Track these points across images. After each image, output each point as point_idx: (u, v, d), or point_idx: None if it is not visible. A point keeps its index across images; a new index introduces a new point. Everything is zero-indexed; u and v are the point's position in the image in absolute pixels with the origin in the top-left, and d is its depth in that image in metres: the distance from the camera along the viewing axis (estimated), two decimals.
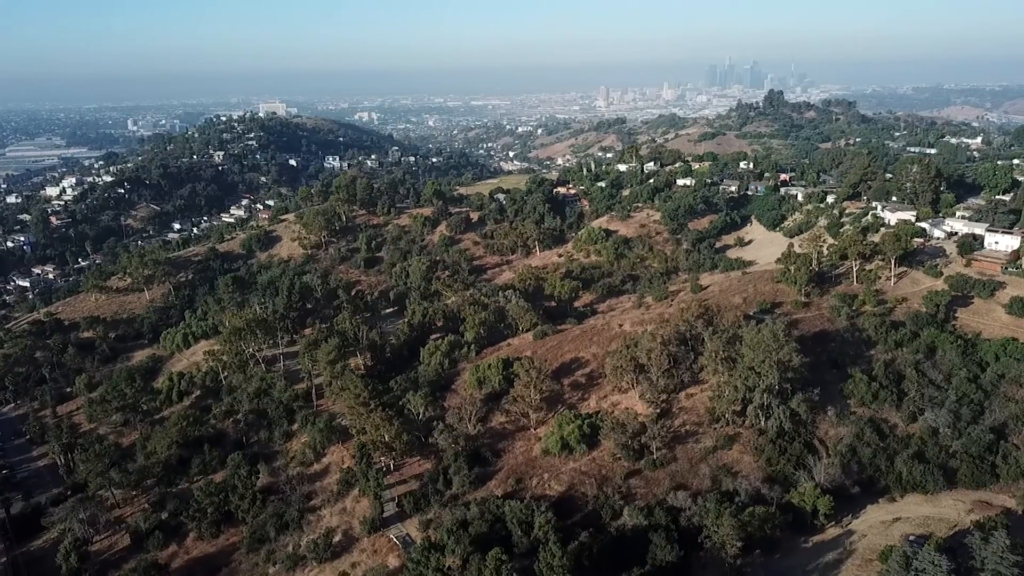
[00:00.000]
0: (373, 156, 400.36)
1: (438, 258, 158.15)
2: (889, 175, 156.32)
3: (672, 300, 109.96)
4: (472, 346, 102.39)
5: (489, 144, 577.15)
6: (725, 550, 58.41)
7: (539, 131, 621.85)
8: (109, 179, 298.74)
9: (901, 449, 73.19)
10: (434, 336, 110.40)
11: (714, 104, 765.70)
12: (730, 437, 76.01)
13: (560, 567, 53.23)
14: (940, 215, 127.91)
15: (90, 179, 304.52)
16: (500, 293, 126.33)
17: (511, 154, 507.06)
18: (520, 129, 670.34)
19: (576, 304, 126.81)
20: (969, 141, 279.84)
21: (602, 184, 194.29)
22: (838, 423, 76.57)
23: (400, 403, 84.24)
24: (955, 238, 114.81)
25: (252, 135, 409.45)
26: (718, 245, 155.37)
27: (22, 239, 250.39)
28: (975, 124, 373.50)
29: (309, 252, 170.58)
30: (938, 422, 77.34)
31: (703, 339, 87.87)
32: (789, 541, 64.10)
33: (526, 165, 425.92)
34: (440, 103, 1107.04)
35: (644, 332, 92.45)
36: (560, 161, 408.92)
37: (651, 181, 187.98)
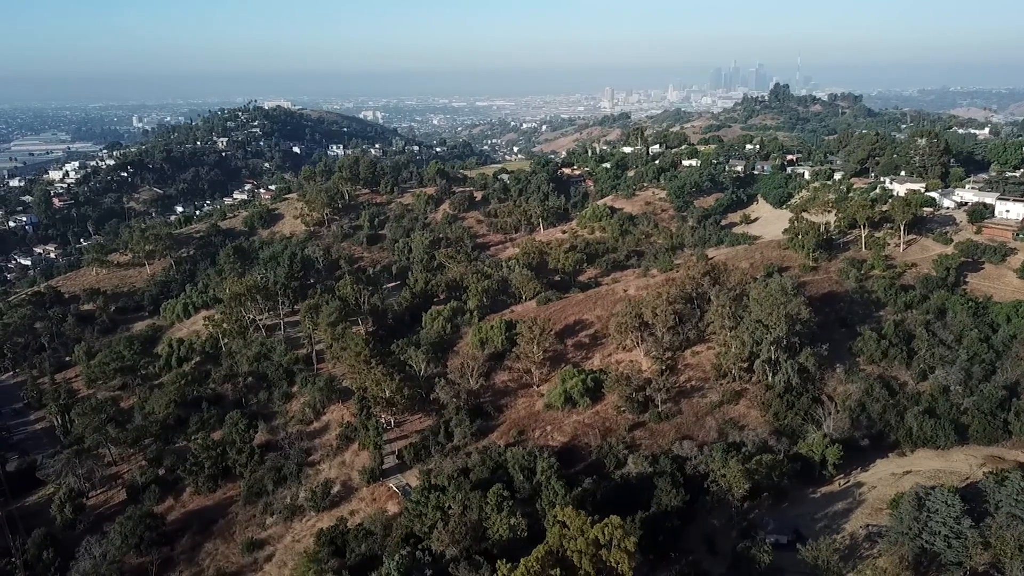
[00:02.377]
0: (377, 145, 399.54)
1: (441, 235, 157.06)
2: (896, 155, 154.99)
3: (677, 271, 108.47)
4: (475, 312, 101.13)
5: (493, 140, 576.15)
6: (732, 493, 57.11)
7: (543, 127, 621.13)
8: (112, 163, 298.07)
9: (911, 405, 71.50)
10: (436, 305, 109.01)
11: (719, 105, 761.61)
12: (736, 392, 74.72)
13: (562, 503, 51.96)
14: (949, 187, 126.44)
15: (93, 163, 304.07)
16: (504, 264, 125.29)
17: (515, 148, 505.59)
18: (524, 126, 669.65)
19: (580, 278, 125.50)
20: (976, 132, 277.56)
21: (607, 165, 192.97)
22: (847, 380, 75.15)
23: (402, 359, 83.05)
24: (965, 207, 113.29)
25: (256, 123, 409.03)
26: (724, 223, 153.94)
27: (24, 219, 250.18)
28: (980, 121, 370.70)
29: (311, 229, 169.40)
30: (949, 380, 75.71)
31: (709, 298, 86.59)
32: (797, 491, 62.93)
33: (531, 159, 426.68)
34: (445, 103, 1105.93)
35: (649, 295, 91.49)
36: (564, 154, 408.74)
37: (656, 162, 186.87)
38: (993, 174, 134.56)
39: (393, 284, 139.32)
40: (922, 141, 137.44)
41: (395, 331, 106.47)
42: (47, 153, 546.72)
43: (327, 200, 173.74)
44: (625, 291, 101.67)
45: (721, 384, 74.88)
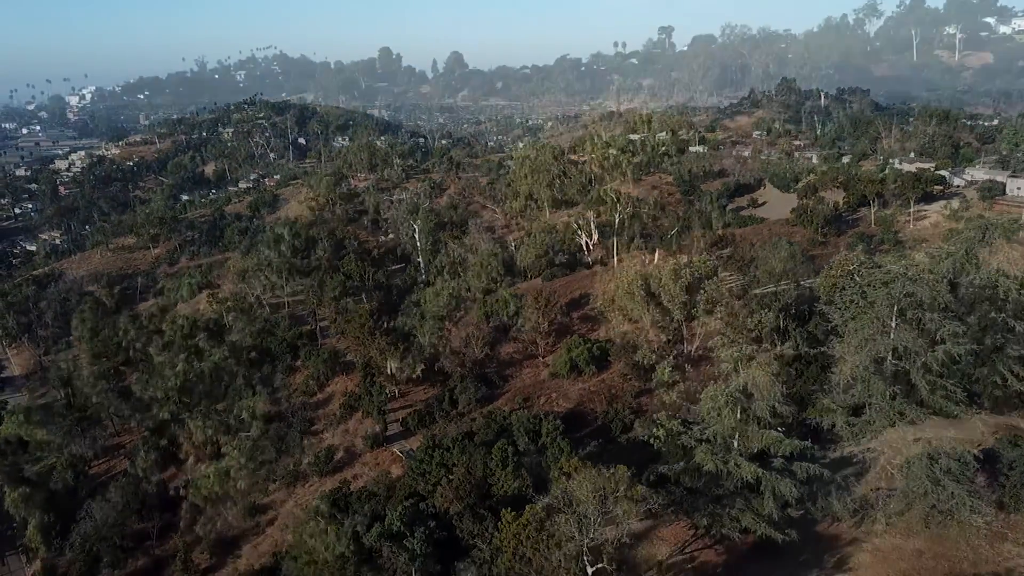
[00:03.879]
0: (383, 137, 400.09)
1: (447, 219, 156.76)
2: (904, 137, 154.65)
3: (685, 249, 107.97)
4: (479, 288, 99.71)
5: (499, 136, 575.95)
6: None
7: (549, 124, 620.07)
8: (117, 151, 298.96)
9: (923, 373, 71.40)
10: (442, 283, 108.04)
11: (726, 101, 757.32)
12: (746, 359, 74.33)
13: (567, 456, 51.29)
14: (960, 167, 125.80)
15: (99, 153, 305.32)
16: (511, 243, 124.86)
17: (520, 144, 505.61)
18: (531, 122, 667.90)
19: (587, 259, 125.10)
20: (985, 124, 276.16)
21: (614, 151, 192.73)
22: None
23: (406, 330, 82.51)
24: (975, 185, 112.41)
25: (262, 115, 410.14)
26: (731, 206, 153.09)
27: (30, 206, 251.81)
28: (990, 115, 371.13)
29: (316, 213, 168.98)
30: (960, 349, 75.29)
31: (717, 269, 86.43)
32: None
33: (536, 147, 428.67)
34: (451, 103, 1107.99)
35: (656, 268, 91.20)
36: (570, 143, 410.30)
37: (663, 148, 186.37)
38: (1004, 153, 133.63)
39: (398, 266, 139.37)
40: (931, 123, 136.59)
41: (399, 308, 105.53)
42: (52, 149, 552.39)
43: (332, 184, 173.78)
44: (633, 267, 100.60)
45: (729, 353, 74.37)
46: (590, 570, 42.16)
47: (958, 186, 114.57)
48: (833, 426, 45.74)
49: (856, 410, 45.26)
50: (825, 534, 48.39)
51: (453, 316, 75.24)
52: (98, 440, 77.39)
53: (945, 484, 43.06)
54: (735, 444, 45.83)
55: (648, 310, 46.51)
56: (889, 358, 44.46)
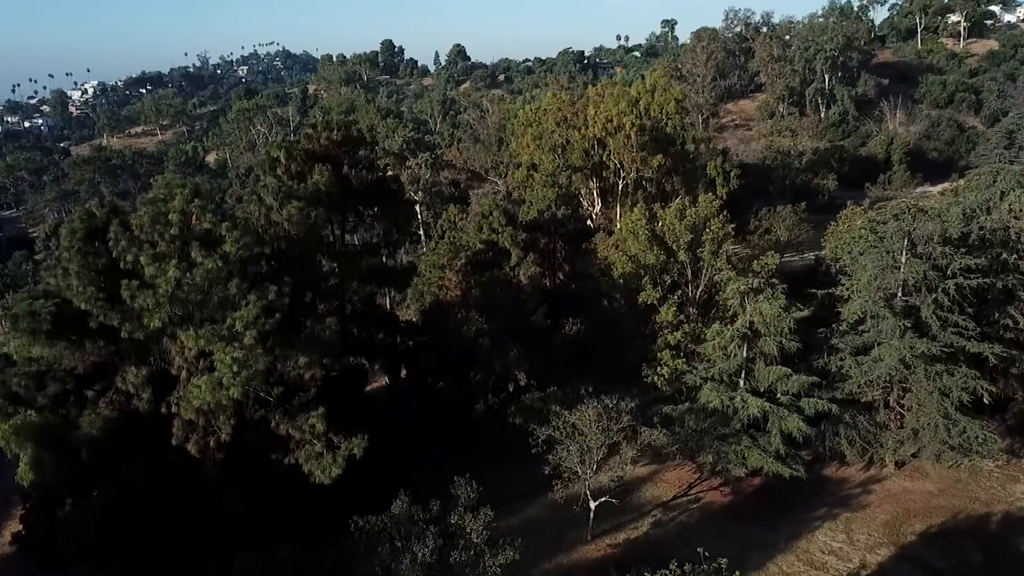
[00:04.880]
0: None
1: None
2: None
3: None
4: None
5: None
6: None
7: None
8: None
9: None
10: None
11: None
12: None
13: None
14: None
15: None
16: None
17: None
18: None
19: None
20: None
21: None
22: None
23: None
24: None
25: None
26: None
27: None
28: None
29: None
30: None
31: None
32: None
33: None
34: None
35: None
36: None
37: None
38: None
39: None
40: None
41: None
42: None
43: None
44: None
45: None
46: (592, 505, 41.29)
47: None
48: (841, 367, 44.54)
49: (865, 349, 44.14)
50: (833, 477, 47.56)
51: (452, 265, 74.16)
52: (89, 354, 76.55)
53: (956, 419, 42.09)
54: (741, 383, 44.88)
55: (652, 250, 45.39)
56: (899, 294, 43.37)
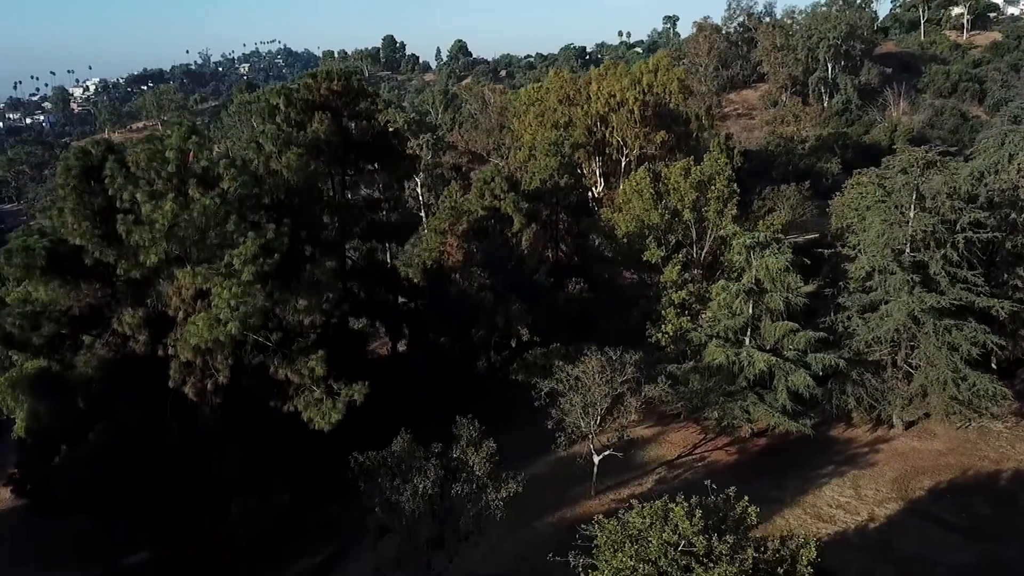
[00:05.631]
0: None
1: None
2: None
3: None
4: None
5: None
6: None
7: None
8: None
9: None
10: None
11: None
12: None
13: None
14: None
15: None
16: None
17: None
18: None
19: None
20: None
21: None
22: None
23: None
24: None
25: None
26: None
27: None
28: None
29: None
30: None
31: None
32: None
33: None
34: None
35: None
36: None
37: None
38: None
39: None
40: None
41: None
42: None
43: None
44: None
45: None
46: (596, 459, 40.66)
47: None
48: (848, 326, 43.91)
49: (872, 307, 43.53)
50: (840, 438, 46.94)
51: (454, 230, 73.86)
52: (85, 295, 76.08)
53: (965, 373, 41.44)
54: (747, 340, 44.26)
55: (656, 208, 44.77)
56: (907, 250, 42.75)
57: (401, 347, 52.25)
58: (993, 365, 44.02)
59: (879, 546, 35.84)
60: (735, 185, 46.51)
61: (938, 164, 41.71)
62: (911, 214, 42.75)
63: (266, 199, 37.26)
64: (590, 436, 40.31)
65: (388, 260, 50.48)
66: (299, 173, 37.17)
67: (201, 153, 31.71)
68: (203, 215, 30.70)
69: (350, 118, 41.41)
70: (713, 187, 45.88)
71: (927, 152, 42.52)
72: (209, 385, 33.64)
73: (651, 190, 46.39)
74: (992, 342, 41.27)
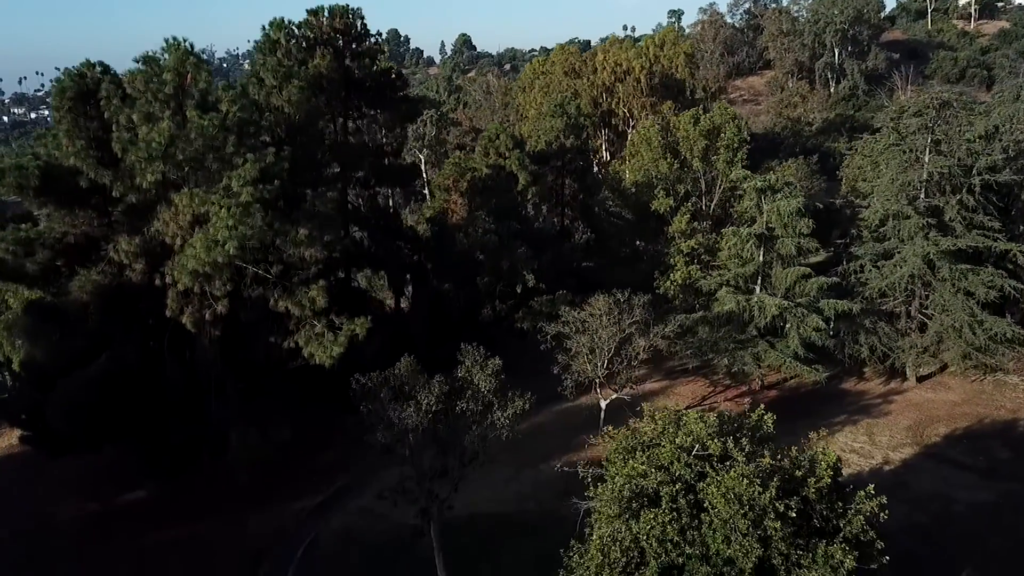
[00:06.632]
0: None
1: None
2: None
3: None
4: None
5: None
6: None
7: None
8: None
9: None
10: None
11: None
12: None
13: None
14: None
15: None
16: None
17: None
18: None
19: None
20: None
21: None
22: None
23: None
24: None
25: None
26: None
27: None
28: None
29: None
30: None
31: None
32: None
33: None
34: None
35: None
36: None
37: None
38: None
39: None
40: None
41: None
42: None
43: None
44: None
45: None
46: (603, 404, 39.75)
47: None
48: (860, 276, 42.95)
49: (886, 256, 42.54)
50: (852, 390, 46.07)
51: (458, 186, 73.26)
52: (81, 222, 74.79)
53: (982, 318, 40.43)
54: (757, 288, 43.32)
55: (665, 158, 43.84)
56: (922, 195, 41.77)
57: (404, 305, 51.37)
58: (1008, 318, 42.98)
59: (894, 486, 34.65)
60: (745, 134, 45.40)
61: (954, 105, 40.47)
62: (926, 157, 41.81)
63: (266, 136, 36.38)
64: (597, 380, 39.40)
65: (391, 206, 49.39)
66: (301, 108, 36.32)
67: (199, 75, 30.81)
68: (200, 137, 29.81)
69: (352, 58, 40.52)
70: (722, 136, 44.84)
71: (941, 92, 41.26)
72: (207, 315, 32.78)
73: (659, 138, 45.38)
74: (1010, 286, 40.26)
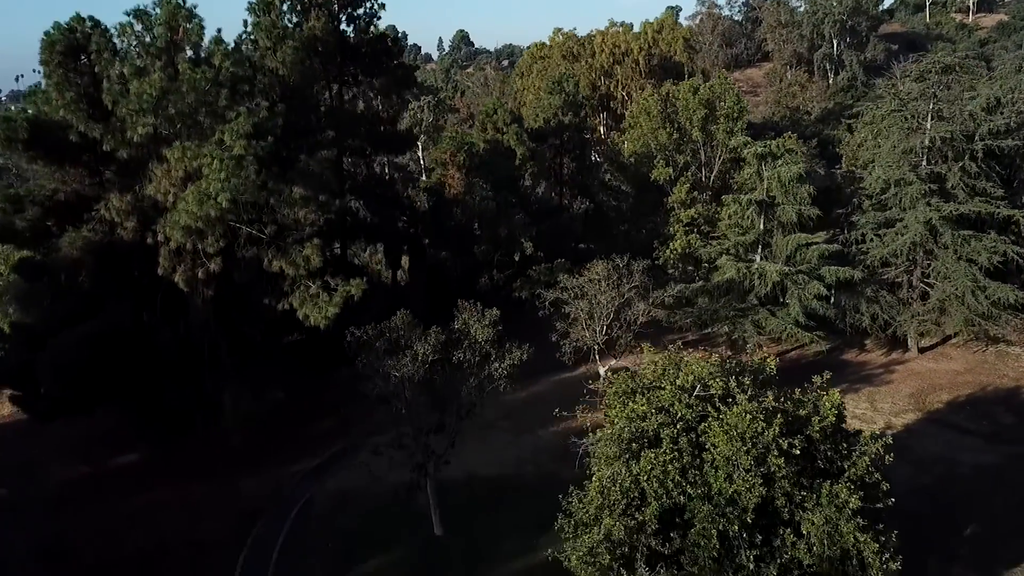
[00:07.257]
0: None
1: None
2: None
3: None
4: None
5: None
6: None
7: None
8: None
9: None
10: None
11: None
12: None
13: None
14: None
15: None
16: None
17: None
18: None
19: None
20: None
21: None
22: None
23: None
24: None
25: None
26: None
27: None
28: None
29: None
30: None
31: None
32: None
33: None
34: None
35: None
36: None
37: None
38: None
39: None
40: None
41: None
42: None
43: None
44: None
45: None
46: (602, 371, 39.26)
47: None
48: (862, 245, 42.50)
49: (888, 224, 42.10)
50: (853, 361, 45.58)
51: (455, 160, 72.88)
52: (71, 180, 73.78)
53: (984, 284, 39.98)
54: (758, 257, 42.86)
55: (665, 128, 43.38)
56: (924, 162, 41.33)
57: (401, 278, 50.90)
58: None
59: (898, 450, 33.80)
60: (744, 104, 44.95)
61: (957, 69, 40.05)
62: (928, 123, 41.38)
63: (260, 99, 35.82)
64: (596, 347, 38.90)
65: (389, 175, 49.03)
66: (295, 69, 35.77)
67: (190, 27, 30.28)
68: (193, 90, 29.26)
69: (348, 21, 40.04)
70: (722, 105, 44.37)
71: (945, 56, 40.83)
72: (200, 274, 32.24)
73: (659, 107, 44.92)
74: (1014, 251, 39.83)
